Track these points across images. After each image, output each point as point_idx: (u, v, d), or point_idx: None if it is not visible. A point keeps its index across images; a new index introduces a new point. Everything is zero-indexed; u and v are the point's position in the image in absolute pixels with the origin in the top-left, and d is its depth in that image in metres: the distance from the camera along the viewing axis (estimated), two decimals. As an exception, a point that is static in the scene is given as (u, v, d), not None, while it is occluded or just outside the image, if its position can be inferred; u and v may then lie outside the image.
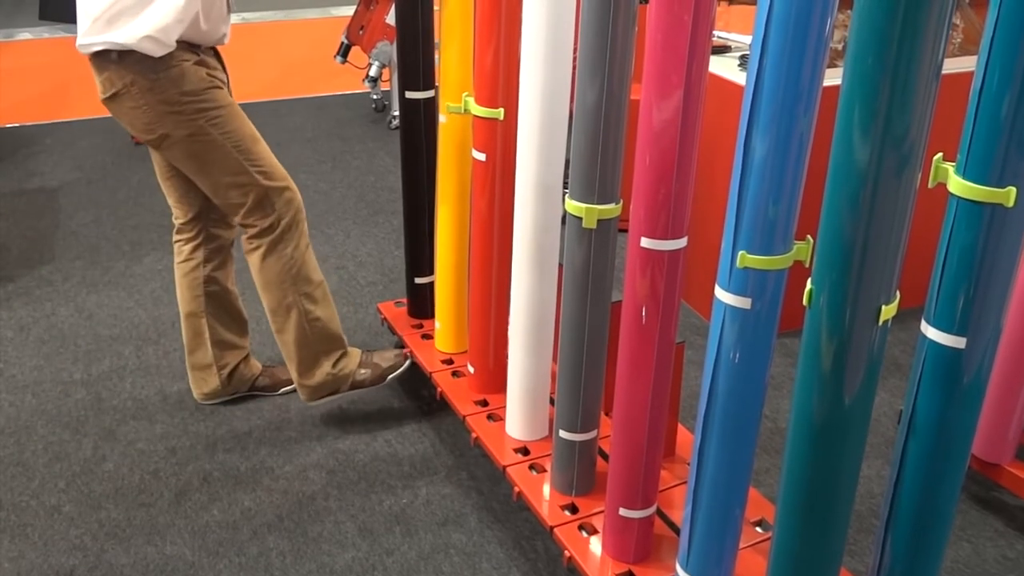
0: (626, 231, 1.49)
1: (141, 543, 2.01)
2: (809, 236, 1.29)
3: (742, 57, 2.77)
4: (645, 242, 1.43)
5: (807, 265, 1.30)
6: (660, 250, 1.43)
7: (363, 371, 2.30)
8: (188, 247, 2.31)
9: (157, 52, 1.90)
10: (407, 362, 2.33)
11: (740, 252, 1.26)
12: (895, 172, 1.08)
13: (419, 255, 2.41)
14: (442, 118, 2.09)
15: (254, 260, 2.16)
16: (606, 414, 2.02)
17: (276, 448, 2.32)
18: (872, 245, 1.11)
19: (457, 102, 1.99)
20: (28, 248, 3.43)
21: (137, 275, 3.21)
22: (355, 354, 2.33)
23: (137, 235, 3.40)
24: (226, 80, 2.09)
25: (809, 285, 1.18)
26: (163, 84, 1.94)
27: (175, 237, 2.33)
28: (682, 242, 1.45)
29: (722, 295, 1.31)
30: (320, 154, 4.46)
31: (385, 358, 2.35)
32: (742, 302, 1.29)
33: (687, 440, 2.01)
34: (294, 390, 2.45)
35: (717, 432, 1.39)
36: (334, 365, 2.27)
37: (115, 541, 2.02)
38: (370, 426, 2.40)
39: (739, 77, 2.65)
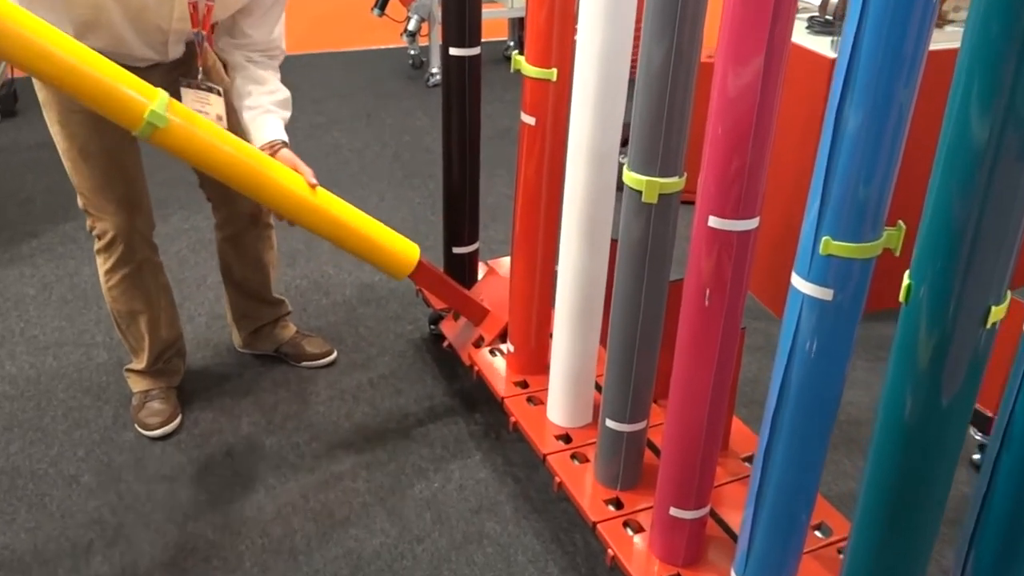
0: (689, 203, 1.39)
1: (161, 519, 1.97)
2: (900, 221, 1.19)
3: (811, 19, 2.64)
4: (713, 221, 1.34)
5: (897, 254, 1.20)
6: (729, 231, 1.34)
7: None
8: None
9: None
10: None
11: (824, 237, 1.16)
12: (1017, 155, 0.97)
13: (458, 223, 2.35)
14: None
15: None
16: (655, 402, 1.94)
17: (302, 423, 2.27)
18: (984, 236, 1.00)
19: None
20: (52, 202, 3.39)
21: (163, 235, 3.08)
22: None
23: (165, 192, 3.35)
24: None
25: (907, 279, 1.08)
26: None
27: None
28: (754, 222, 1.35)
29: (800, 284, 1.21)
30: (354, 111, 4.38)
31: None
32: (823, 293, 1.19)
33: (742, 434, 1.91)
34: (320, 366, 2.48)
35: (787, 432, 1.30)
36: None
37: (134, 515, 1.98)
38: (402, 404, 2.34)
39: (808, 41, 2.52)
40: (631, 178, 1.49)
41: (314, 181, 1.86)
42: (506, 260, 2.39)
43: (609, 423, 1.73)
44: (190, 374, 2.41)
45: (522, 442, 2.10)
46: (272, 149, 1.88)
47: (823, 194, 1.15)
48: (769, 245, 2.54)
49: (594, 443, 1.83)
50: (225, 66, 2.02)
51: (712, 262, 1.37)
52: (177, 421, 2.24)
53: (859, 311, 1.22)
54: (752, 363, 2.47)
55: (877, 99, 1.07)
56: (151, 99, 1.62)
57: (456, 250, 2.36)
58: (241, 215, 2.26)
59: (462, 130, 2.22)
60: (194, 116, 1.71)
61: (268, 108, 1.93)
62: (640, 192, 1.48)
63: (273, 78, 1.97)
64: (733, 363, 1.50)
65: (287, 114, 1.97)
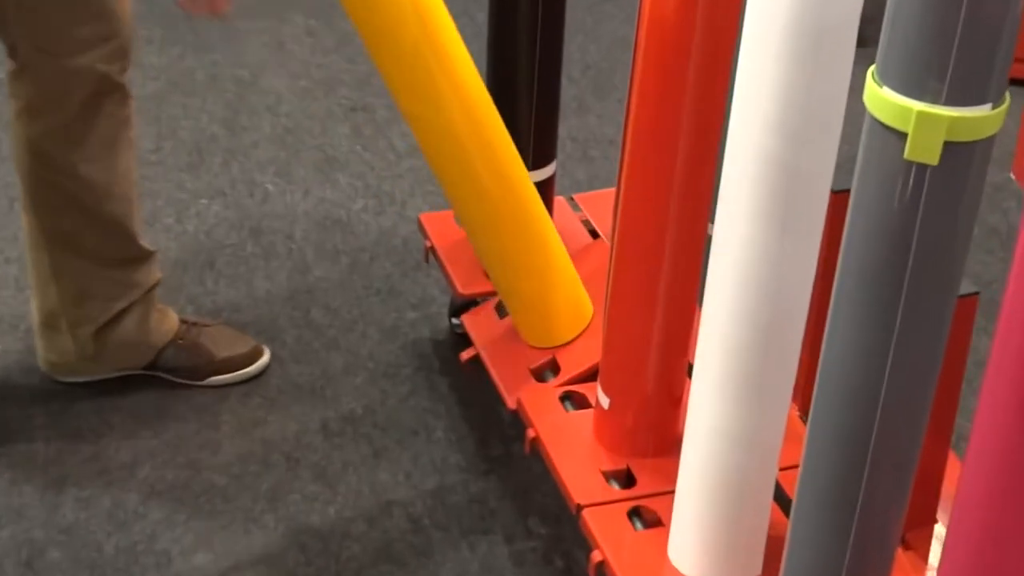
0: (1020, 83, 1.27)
1: None
2: None
3: None
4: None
5: None
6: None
7: None
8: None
9: None
10: None
11: None
12: None
13: (510, 121, 2.29)
14: None
15: None
16: (903, 540, 1.84)
17: (181, 517, 2.26)
18: None
19: None
20: None
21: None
22: None
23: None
24: None
25: None
26: None
27: None
28: None
29: None
30: None
31: None
32: None
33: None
34: (231, 382, 2.56)
35: None
36: None
37: None
38: (383, 482, 2.35)
39: None
40: (880, 100, 1.31)
41: None
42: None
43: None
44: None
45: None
46: None
47: None
48: None
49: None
50: None
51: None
52: None
53: None
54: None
55: None
56: None
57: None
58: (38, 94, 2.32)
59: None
60: None
61: None
62: (903, 136, 1.29)
63: None
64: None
65: None
